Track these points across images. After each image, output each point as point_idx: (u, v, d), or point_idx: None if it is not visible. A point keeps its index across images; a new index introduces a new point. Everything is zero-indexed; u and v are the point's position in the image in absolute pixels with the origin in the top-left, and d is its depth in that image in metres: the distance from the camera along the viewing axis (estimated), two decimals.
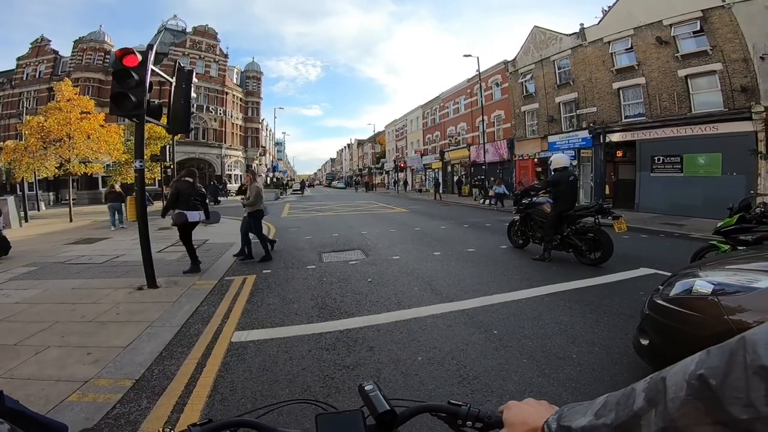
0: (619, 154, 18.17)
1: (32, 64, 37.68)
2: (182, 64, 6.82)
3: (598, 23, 19.45)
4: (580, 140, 20.07)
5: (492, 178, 22.50)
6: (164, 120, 6.59)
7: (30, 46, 38.14)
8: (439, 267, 6.80)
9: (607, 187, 18.48)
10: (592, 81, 19.54)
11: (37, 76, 37.01)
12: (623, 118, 18.11)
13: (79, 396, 2.81)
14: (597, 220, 6.83)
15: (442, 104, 37.04)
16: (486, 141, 26.01)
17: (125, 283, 5.86)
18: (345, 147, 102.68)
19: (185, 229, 6.62)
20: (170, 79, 6.39)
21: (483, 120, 26.33)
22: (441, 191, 29.91)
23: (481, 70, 26.18)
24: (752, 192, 9.75)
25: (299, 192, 46.99)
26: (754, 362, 0.42)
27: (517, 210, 8.24)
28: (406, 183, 43.28)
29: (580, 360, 3.25)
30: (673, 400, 0.47)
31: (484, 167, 25.32)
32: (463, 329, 3.98)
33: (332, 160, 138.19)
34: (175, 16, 42.92)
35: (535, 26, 23.79)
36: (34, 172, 17.31)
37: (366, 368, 3.21)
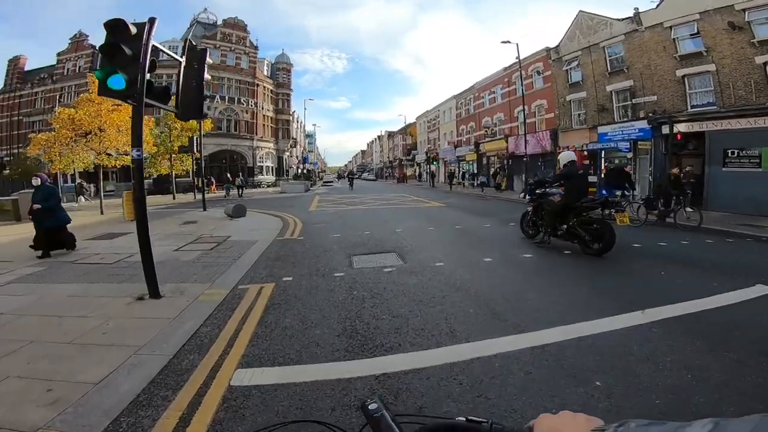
0: (679, 137, 16.04)
1: (72, 59, 38.44)
2: (194, 43, 5.94)
3: (657, 6, 17.52)
4: (637, 131, 18.07)
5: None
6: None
7: (69, 41, 38.98)
8: (493, 279, 5.60)
9: None
10: (651, 68, 17.54)
11: (77, 71, 37.63)
12: (689, 107, 16.11)
13: None
14: (603, 213, 7.26)
15: (477, 94, 35.16)
16: (526, 132, 24.24)
17: (127, 291, 5.04)
18: (375, 139, 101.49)
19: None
20: (179, 59, 5.55)
21: (523, 110, 24.53)
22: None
23: (520, 58, 24.36)
24: None
25: (331, 183, 47.63)
26: None
27: (530, 199, 8.42)
28: (433, 175, 41.09)
29: None
30: None
31: (524, 159, 23.62)
32: (549, 378, 2.84)
33: (362, 152, 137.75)
34: (205, 9, 43.42)
35: (581, 11, 21.78)
36: (72, 164, 17.19)
37: None
